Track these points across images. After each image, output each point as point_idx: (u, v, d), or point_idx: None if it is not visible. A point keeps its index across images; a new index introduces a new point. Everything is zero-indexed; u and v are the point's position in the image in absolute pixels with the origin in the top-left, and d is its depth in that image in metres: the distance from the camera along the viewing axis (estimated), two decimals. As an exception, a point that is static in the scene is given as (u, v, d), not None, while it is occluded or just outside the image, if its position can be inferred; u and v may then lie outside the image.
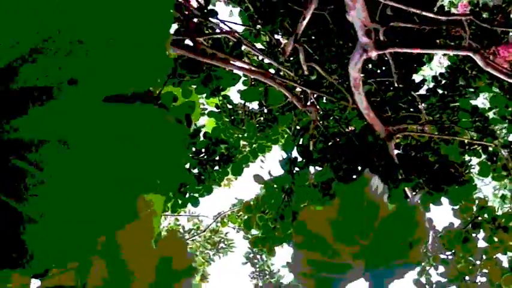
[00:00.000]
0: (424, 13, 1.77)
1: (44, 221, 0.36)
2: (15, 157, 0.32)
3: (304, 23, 1.67)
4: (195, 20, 2.36)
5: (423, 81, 3.34)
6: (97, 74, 0.34)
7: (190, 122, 1.49)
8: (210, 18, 2.35)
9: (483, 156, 2.91)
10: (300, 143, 2.18)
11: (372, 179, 0.67)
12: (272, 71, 2.25)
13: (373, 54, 1.44)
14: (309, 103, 2.28)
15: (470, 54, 1.63)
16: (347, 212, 0.66)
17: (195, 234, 4.88)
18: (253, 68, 1.79)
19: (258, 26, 2.71)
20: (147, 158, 0.37)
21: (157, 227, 0.76)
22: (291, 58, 2.22)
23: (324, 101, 2.86)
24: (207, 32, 1.93)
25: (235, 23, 3.42)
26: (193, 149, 2.90)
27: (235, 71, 1.87)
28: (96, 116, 0.35)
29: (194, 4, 2.48)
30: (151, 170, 0.38)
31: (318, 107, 2.73)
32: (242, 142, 3.46)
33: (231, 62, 1.66)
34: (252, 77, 1.98)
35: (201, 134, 3.12)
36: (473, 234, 2.66)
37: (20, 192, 0.33)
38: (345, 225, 0.66)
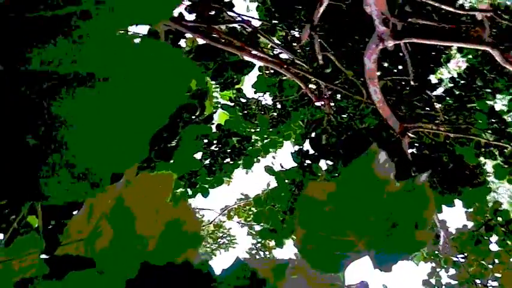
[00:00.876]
0: (443, 7, 1.74)
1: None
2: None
3: (321, 9, 1.66)
4: (212, 12, 2.36)
5: (440, 81, 3.30)
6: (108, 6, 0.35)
7: (204, 106, 1.50)
8: (227, 11, 2.35)
9: (499, 159, 2.85)
10: (313, 136, 2.17)
11: (380, 153, 0.65)
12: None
13: (390, 43, 1.43)
14: (323, 96, 2.26)
15: (489, 49, 1.60)
16: (353, 186, 0.65)
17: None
18: (268, 58, 1.79)
19: (275, 22, 2.71)
20: (159, 84, 0.38)
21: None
22: (307, 49, 2.21)
23: (338, 97, 2.84)
24: (222, 20, 1.94)
25: (252, 17, 3.42)
26: (206, 141, 2.91)
27: (250, 59, 1.87)
28: (114, 47, 0.36)
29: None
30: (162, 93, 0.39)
31: (332, 104, 2.72)
32: (254, 137, 3.46)
33: (246, 49, 1.66)
34: (267, 66, 1.98)
35: (214, 126, 3.14)
36: (486, 238, 2.61)
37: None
38: (350, 200, 0.65)
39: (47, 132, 0.39)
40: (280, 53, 2.63)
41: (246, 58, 1.83)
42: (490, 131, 2.83)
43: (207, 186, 2.86)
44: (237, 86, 3.17)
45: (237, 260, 0.53)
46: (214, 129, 3.10)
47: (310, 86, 2.47)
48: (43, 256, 1.07)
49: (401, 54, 2.97)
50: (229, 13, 2.35)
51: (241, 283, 0.52)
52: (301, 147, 2.08)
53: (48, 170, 0.40)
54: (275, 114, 3.38)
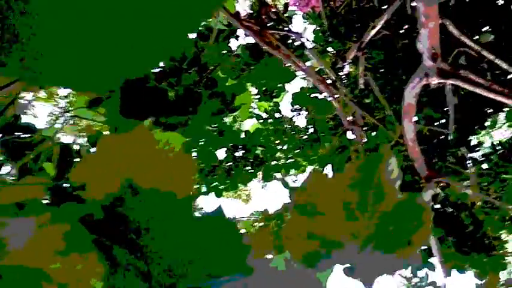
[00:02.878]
0: (499, 63, 1.71)
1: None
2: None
3: (373, 32, 1.66)
4: (269, 24, 2.42)
5: (479, 144, 3.20)
6: None
7: (234, 98, 1.52)
8: (283, 24, 2.40)
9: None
10: (336, 161, 2.14)
11: (391, 157, 0.63)
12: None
13: (434, 81, 1.40)
14: (355, 124, 2.25)
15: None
16: (356, 183, 0.63)
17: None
18: (311, 71, 1.80)
19: (327, 46, 2.73)
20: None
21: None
22: (351, 72, 2.21)
23: (373, 133, 2.81)
24: (276, 27, 1.98)
25: (307, 39, 3.46)
26: (231, 144, 2.93)
27: (294, 68, 1.89)
28: None
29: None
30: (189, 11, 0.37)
31: (364, 139, 2.69)
32: (279, 154, 3.45)
33: (292, 58, 1.68)
34: (308, 79, 1.99)
35: (243, 133, 3.17)
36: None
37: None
38: (348, 198, 0.63)
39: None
40: (327, 77, 2.65)
41: (290, 65, 1.85)
42: (519, 206, 2.71)
43: (222, 187, 2.87)
44: (275, 100, 3.20)
45: (218, 208, 0.53)
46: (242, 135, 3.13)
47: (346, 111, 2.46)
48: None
49: (446, 108, 2.92)
50: (286, 29, 2.39)
51: (219, 230, 0.52)
52: (321, 169, 2.06)
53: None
54: (305, 137, 3.37)
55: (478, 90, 1.47)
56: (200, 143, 2.14)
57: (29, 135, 1.48)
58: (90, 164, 0.72)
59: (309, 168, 3.76)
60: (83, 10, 0.36)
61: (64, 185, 1.39)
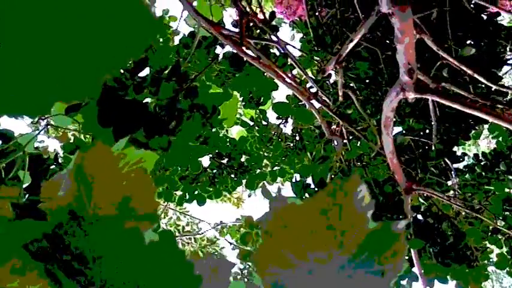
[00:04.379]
0: (481, 79, 1.72)
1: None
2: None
3: (351, 45, 1.67)
4: (258, 31, 2.42)
5: (463, 155, 3.22)
6: None
7: (215, 109, 1.51)
8: (268, 34, 2.40)
9: (505, 248, 2.74)
10: (317, 171, 2.14)
11: (361, 184, 0.63)
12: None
13: (411, 95, 1.41)
14: (336, 133, 2.25)
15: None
16: (323, 212, 0.62)
17: (191, 236, 4.86)
18: (292, 82, 1.80)
19: (312, 55, 2.74)
20: (117, 33, 0.37)
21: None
22: (331, 84, 2.22)
23: (358, 144, 2.81)
24: (257, 36, 1.98)
25: (293, 47, 3.46)
26: (216, 151, 2.92)
27: (275, 79, 1.89)
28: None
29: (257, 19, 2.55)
30: (119, 46, 0.37)
31: (345, 142, 2.70)
32: (265, 161, 3.45)
33: (274, 69, 1.68)
34: (289, 90, 1.99)
35: (228, 140, 3.16)
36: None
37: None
38: (315, 227, 0.63)
39: None
40: (311, 87, 2.65)
41: (271, 76, 1.85)
42: (501, 218, 2.73)
43: (205, 195, 2.86)
44: (261, 107, 3.20)
45: (168, 236, 0.52)
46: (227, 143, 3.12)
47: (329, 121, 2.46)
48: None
49: (431, 119, 2.93)
50: (274, 38, 2.39)
51: (168, 260, 0.51)
52: (303, 178, 2.06)
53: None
54: (291, 144, 3.38)
55: (456, 106, 1.48)
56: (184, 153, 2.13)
57: (4, 143, 1.46)
58: (59, 181, 0.71)
59: (295, 177, 3.77)
60: (12, 29, 0.36)
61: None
